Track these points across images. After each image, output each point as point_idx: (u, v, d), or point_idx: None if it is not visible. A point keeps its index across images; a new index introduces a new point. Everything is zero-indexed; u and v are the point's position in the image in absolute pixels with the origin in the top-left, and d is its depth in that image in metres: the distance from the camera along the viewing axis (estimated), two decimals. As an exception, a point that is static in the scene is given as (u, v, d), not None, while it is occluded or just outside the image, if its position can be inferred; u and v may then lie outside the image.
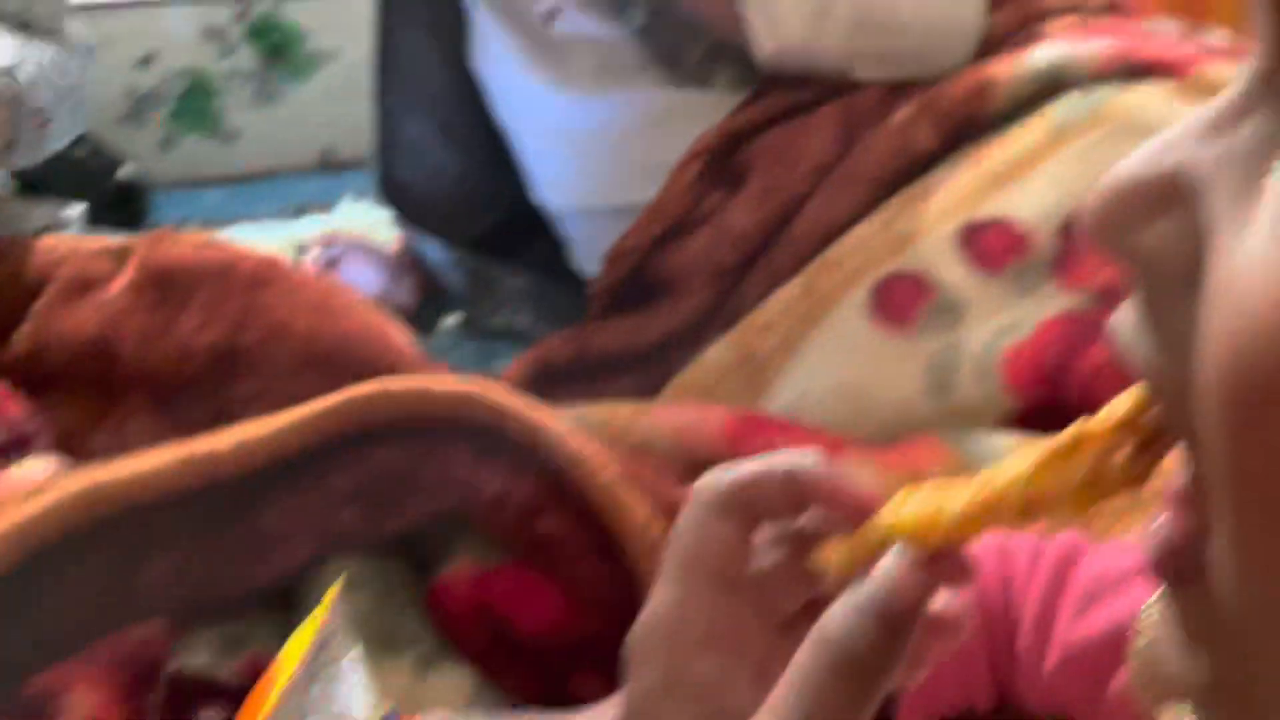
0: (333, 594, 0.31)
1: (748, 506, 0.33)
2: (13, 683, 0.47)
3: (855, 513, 0.30)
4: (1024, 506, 0.25)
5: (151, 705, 0.49)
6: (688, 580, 0.32)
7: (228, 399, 0.71)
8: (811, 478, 0.32)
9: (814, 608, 0.30)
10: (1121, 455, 0.24)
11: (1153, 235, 0.20)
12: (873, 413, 0.73)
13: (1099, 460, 0.24)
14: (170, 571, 0.52)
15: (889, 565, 0.27)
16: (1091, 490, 0.25)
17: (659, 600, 0.33)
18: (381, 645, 0.54)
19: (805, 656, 0.27)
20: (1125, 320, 0.21)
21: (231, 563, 0.53)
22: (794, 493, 0.32)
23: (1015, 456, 0.25)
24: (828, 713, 0.26)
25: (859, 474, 0.33)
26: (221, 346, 0.73)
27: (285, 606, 0.56)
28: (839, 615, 0.27)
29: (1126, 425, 0.24)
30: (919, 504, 0.27)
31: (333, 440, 0.54)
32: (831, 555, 0.29)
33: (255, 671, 0.53)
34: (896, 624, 0.27)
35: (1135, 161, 0.20)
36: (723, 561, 0.32)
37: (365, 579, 0.55)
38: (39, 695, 0.47)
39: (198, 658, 0.52)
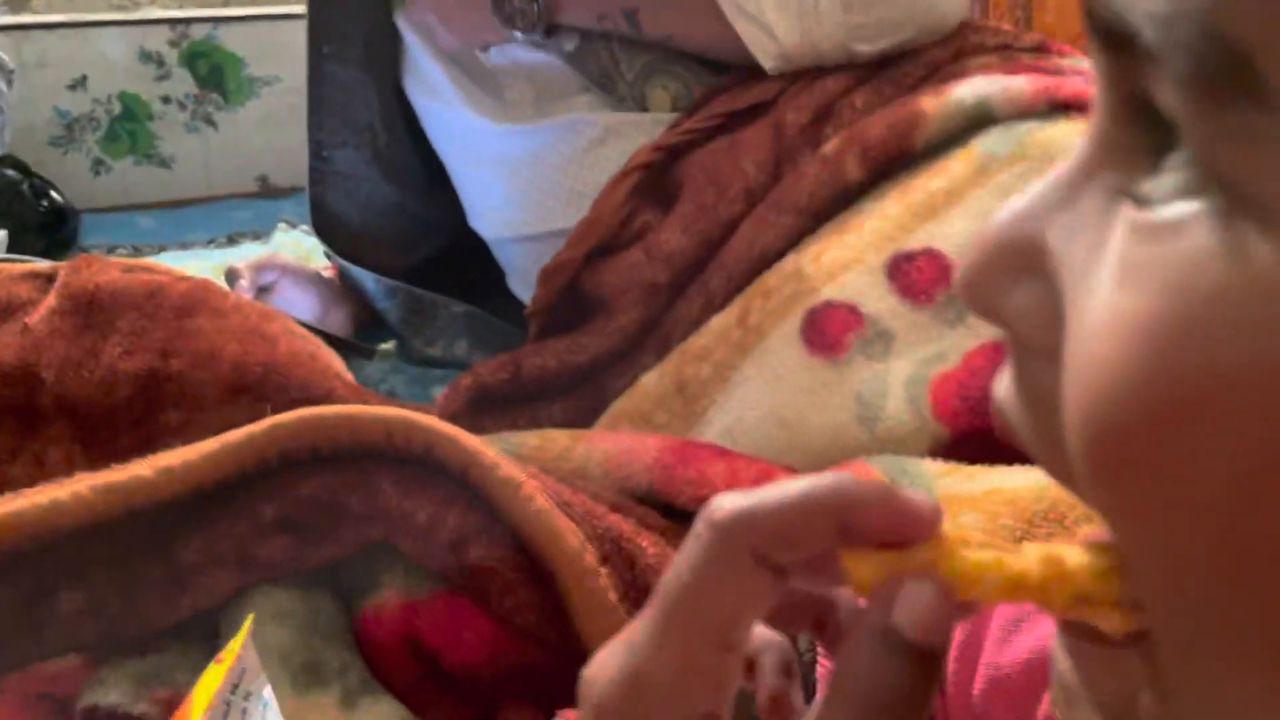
0: (246, 630, 0.30)
1: (774, 546, 0.24)
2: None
3: (911, 536, 0.24)
4: (1077, 600, 0.22)
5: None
6: (685, 638, 0.24)
7: (154, 428, 0.70)
8: (863, 498, 0.24)
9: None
10: None
11: (1017, 300, 0.20)
12: (805, 440, 0.74)
13: None
14: (85, 604, 0.50)
15: (925, 601, 0.23)
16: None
17: (643, 654, 0.25)
18: (307, 677, 0.52)
19: (832, 713, 0.23)
20: (1003, 383, 0.22)
21: (150, 595, 0.52)
22: (836, 522, 0.24)
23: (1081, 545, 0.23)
24: None
25: (913, 492, 0.25)
26: (147, 374, 0.71)
27: (208, 639, 0.54)
28: (867, 653, 0.23)
29: None
30: (980, 551, 0.24)
31: (257, 468, 0.53)
32: (860, 566, 0.24)
33: (173, 708, 0.51)
34: (931, 665, 0.23)
35: (996, 227, 0.21)
36: (734, 619, 0.24)
37: (290, 610, 0.54)
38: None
39: (112, 694, 0.50)
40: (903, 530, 0.23)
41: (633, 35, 0.90)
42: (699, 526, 0.24)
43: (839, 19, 0.83)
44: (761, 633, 0.28)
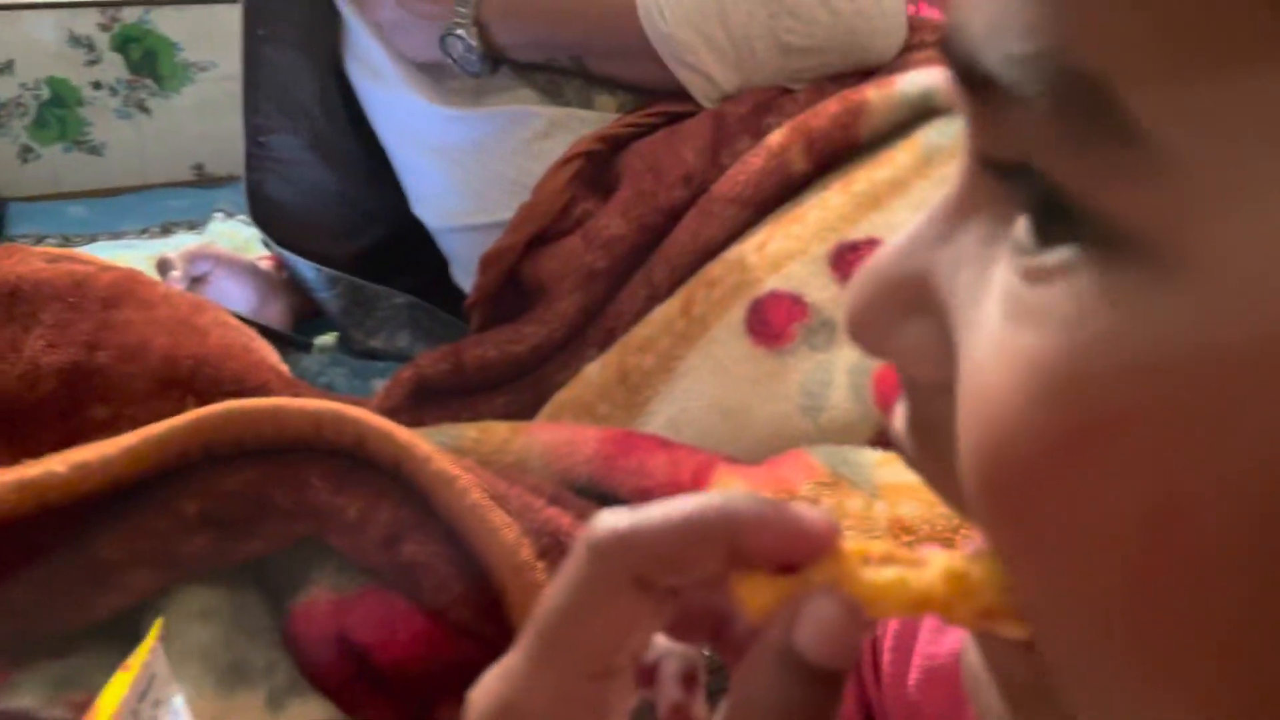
0: (154, 635, 0.29)
1: (657, 570, 0.23)
2: None
3: (807, 556, 0.22)
4: (987, 612, 0.22)
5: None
6: (560, 666, 0.23)
7: (81, 423, 0.68)
8: (753, 518, 0.22)
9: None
10: None
11: (906, 338, 0.20)
12: (749, 431, 0.74)
13: None
14: (-3, 606, 0.49)
15: (827, 621, 0.22)
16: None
17: (517, 682, 0.24)
18: (233, 678, 0.51)
19: None
20: (898, 416, 0.22)
21: (67, 594, 0.50)
22: (725, 544, 0.22)
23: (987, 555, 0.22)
24: None
25: (808, 508, 0.23)
26: (72, 368, 0.69)
27: (130, 639, 0.53)
28: (766, 674, 0.22)
29: None
30: (880, 570, 0.23)
31: (179, 463, 0.52)
32: (752, 591, 0.23)
33: (86, 713, 0.50)
34: (835, 684, 0.22)
35: (879, 265, 0.21)
36: (613, 646, 0.23)
37: (215, 609, 0.53)
38: None
39: (25, 699, 0.49)
40: (797, 551, 0.22)
41: (578, 71, 0.90)
42: (577, 547, 0.23)
43: (777, 64, 0.84)
44: (662, 641, 0.27)
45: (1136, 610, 0.17)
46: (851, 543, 0.23)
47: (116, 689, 0.29)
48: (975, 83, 0.18)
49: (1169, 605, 0.17)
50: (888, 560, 0.22)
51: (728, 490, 0.23)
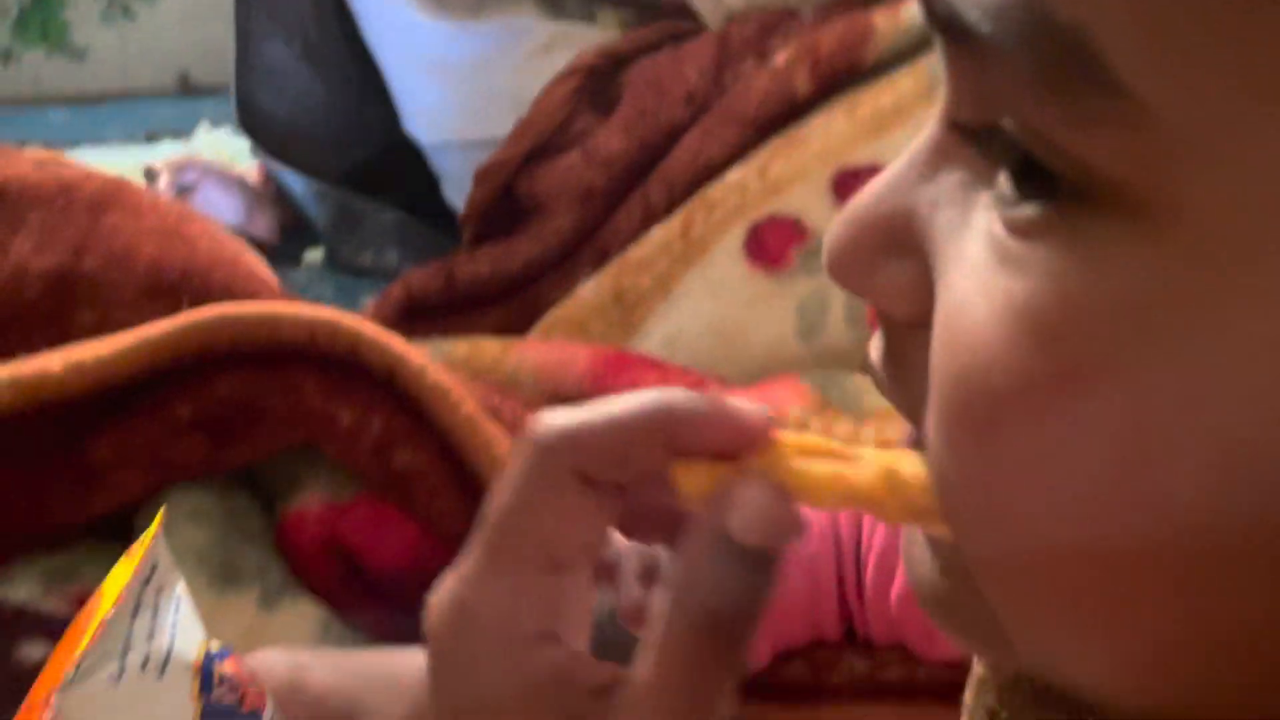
0: (157, 525, 0.30)
1: (600, 466, 0.23)
2: None
3: (743, 446, 0.23)
4: (919, 511, 0.22)
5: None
6: (509, 562, 0.23)
7: (67, 328, 0.68)
8: (689, 413, 0.23)
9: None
10: None
11: (885, 277, 0.21)
12: (745, 353, 0.75)
13: None
14: (-9, 501, 0.49)
15: (758, 504, 0.22)
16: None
17: (470, 579, 0.24)
18: (224, 579, 0.52)
19: (674, 626, 0.23)
20: (874, 347, 0.22)
21: (60, 493, 0.51)
22: (665, 438, 0.23)
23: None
24: (705, 682, 0.23)
25: (744, 402, 0.24)
26: (59, 273, 0.69)
27: (122, 538, 0.54)
28: (703, 562, 0.23)
29: None
30: (817, 462, 0.23)
31: (172, 366, 0.52)
32: (689, 477, 0.23)
33: (84, 603, 0.51)
34: (767, 570, 0.23)
35: (861, 205, 0.21)
36: (561, 540, 0.24)
37: (207, 511, 0.54)
38: None
39: (20, 591, 0.50)
40: (734, 441, 0.23)
41: None
42: (523, 444, 0.23)
43: None
44: (622, 541, 0.27)
45: (1088, 547, 0.18)
46: (790, 437, 0.23)
47: (120, 575, 0.30)
48: (955, 35, 0.18)
49: (1125, 547, 0.17)
50: (825, 455, 0.23)
51: (667, 388, 0.23)
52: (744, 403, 0.23)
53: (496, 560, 0.23)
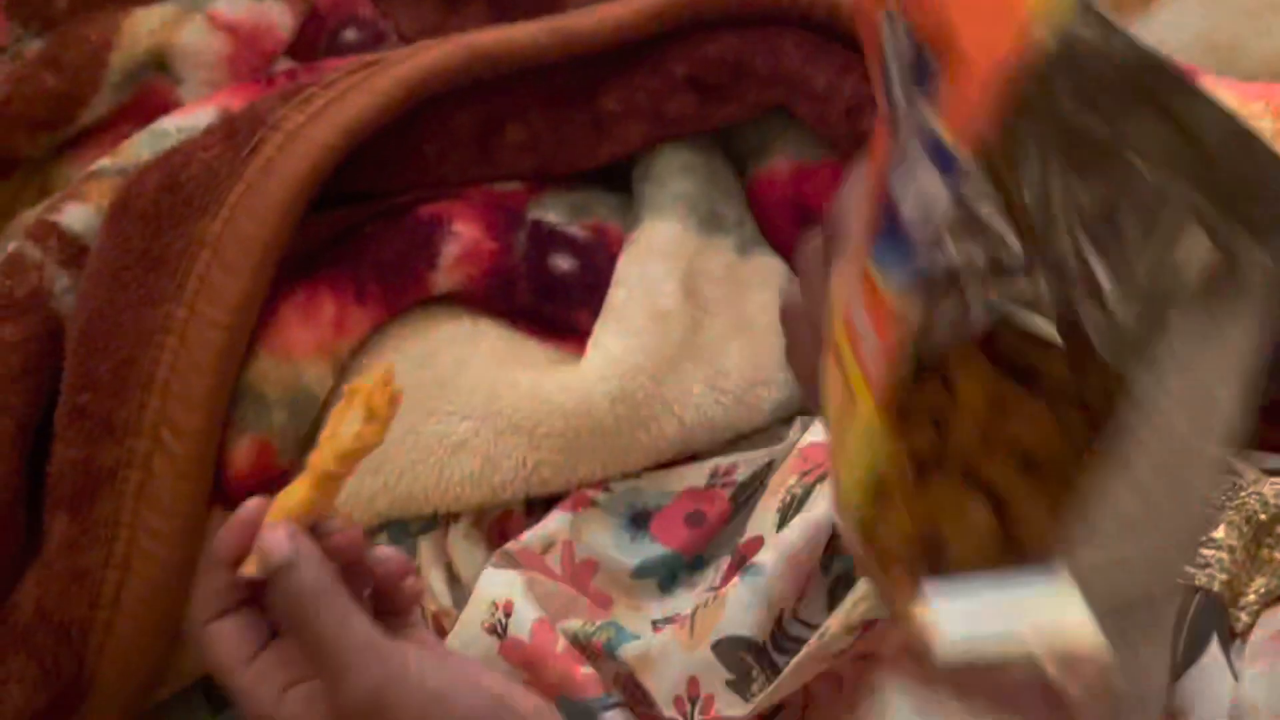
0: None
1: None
2: (407, 210, 0.59)
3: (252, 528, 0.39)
4: (339, 458, 0.39)
5: (518, 242, 0.59)
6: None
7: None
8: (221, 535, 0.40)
9: None
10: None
11: None
12: (1237, 68, 0.70)
13: (367, 405, 0.38)
14: (526, 138, 0.61)
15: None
16: (371, 426, 0.38)
17: None
18: (710, 223, 0.61)
19: None
20: None
21: (576, 137, 0.61)
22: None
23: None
24: None
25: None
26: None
27: (623, 189, 0.64)
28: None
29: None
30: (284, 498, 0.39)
31: (674, 27, 0.60)
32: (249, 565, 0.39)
33: (600, 232, 0.62)
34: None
35: None
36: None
37: (694, 166, 0.62)
38: (428, 220, 0.58)
39: (551, 214, 0.61)
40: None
41: None
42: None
43: None
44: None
45: None
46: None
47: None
48: None
49: None
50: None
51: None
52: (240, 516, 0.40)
53: None
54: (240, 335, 0.53)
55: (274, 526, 0.38)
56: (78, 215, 0.59)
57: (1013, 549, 0.32)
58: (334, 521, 0.40)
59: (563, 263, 0.60)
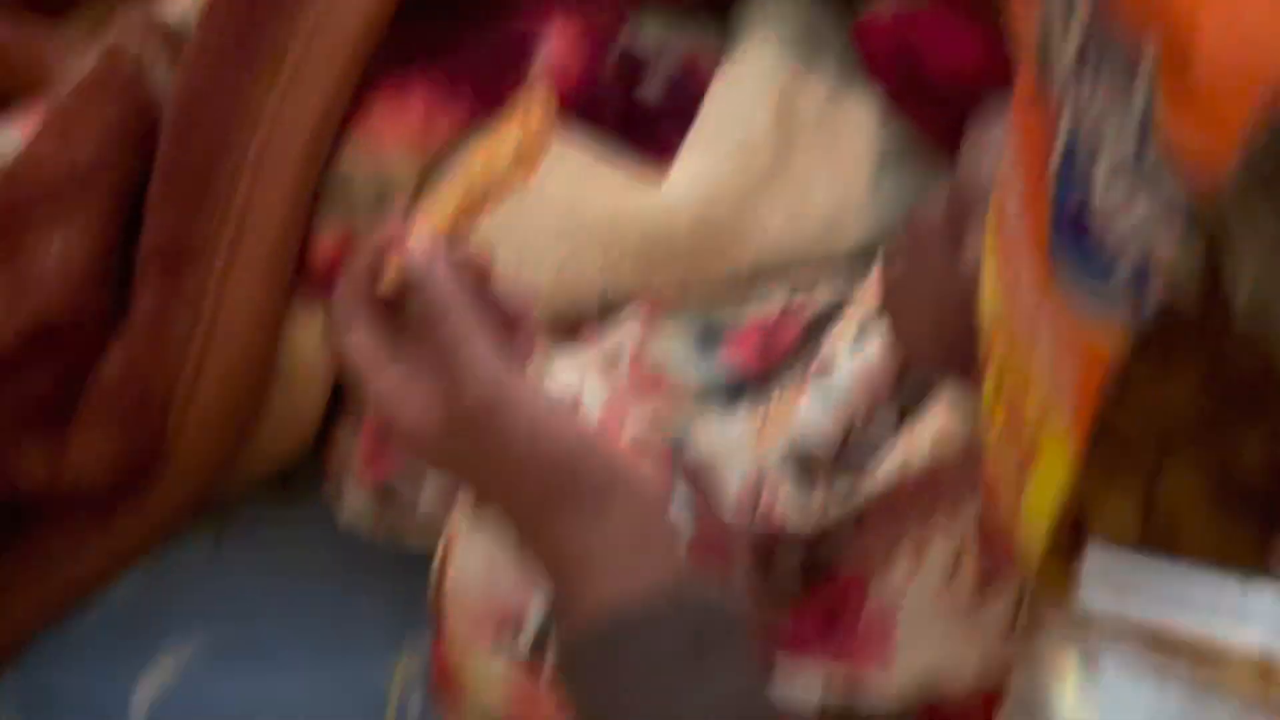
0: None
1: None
2: (502, 23, 0.59)
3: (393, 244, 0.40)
4: (486, 185, 0.40)
5: (608, 66, 0.59)
6: None
7: None
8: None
9: None
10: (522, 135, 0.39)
11: None
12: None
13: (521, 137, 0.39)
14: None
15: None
16: (521, 163, 0.39)
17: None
18: (807, 59, 0.60)
19: None
20: None
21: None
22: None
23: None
24: None
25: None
26: None
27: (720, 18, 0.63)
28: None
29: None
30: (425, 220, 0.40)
31: None
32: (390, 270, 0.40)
33: (693, 61, 0.62)
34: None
35: None
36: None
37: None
38: (521, 35, 0.58)
39: (644, 40, 0.61)
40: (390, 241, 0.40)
41: None
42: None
43: None
44: None
45: None
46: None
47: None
48: None
49: None
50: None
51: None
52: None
53: None
54: (330, 123, 0.54)
55: (414, 243, 0.39)
56: (176, 10, 0.60)
57: (1158, 528, 0.31)
58: (468, 250, 0.41)
59: (651, 90, 0.59)
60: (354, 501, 0.59)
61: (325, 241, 0.55)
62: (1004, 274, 0.25)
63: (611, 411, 0.48)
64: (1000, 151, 0.27)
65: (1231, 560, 0.28)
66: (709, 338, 0.55)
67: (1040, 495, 0.24)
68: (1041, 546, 0.28)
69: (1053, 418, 0.24)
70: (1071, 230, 0.22)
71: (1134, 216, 0.21)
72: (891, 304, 0.37)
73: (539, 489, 0.37)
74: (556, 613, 0.38)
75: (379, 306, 0.40)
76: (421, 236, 0.39)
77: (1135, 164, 0.21)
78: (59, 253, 0.53)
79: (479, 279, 0.40)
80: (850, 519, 0.46)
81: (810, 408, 0.45)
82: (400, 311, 0.40)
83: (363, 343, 0.39)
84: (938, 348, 0.29)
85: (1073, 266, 0.23)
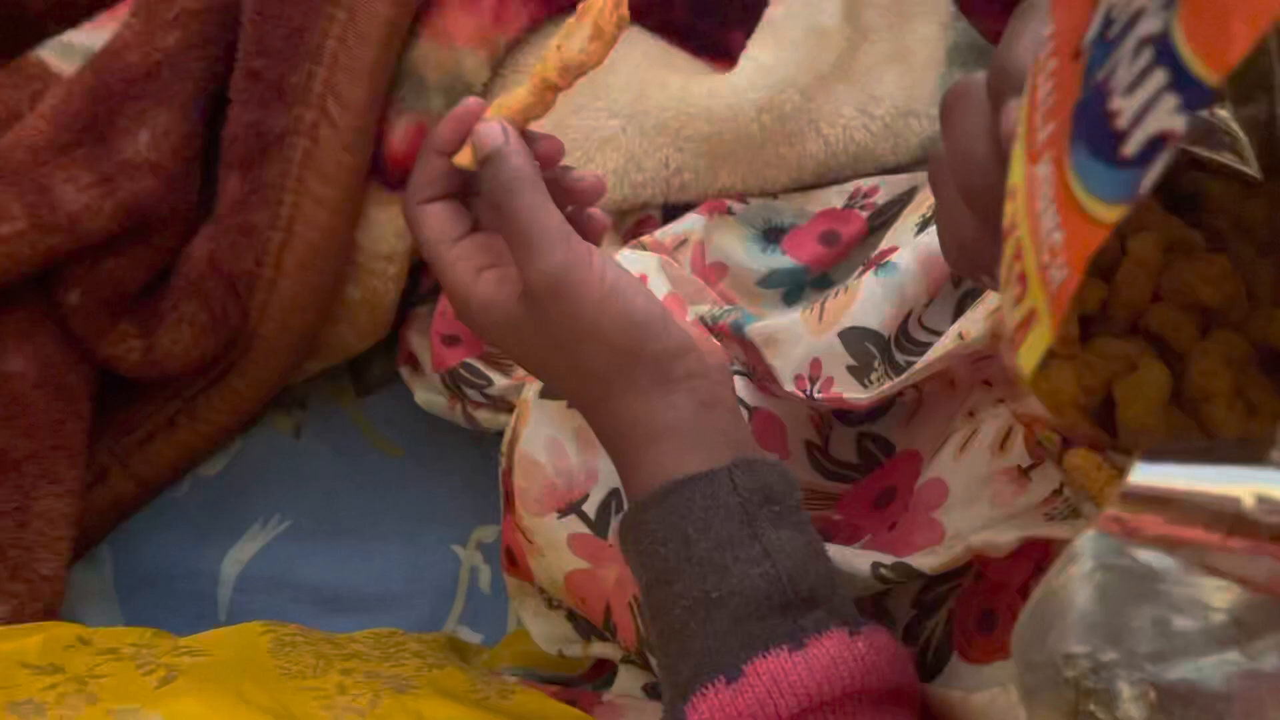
0: None
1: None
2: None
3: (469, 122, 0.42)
4: (561, 70, 0.41)
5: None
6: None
7: None
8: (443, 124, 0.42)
9: None
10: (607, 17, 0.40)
11: None
12: None
13: (595, 23, 0.40)
14: None
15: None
16: (596, 44, 0.40)
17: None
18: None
19: None
20: None
21: None
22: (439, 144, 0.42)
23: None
24: None
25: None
26: None
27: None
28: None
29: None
30: (503, 99, 0.42)
31: None
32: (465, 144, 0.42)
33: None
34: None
35: None
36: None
37: None
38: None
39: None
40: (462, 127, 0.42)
41: None
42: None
43: None
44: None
45: None
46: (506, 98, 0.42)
47: None
48: None
49: None
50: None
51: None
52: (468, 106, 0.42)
53: None
54: (405, 11, 0.55)
55: (489, 121, 0.41)
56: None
57: (1187, 410, 0.31)
58: (541, 131, 0.43)
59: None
60: (427, 386, 0.62)
61: (400, 134, 0.57)
62: (1028, 146, 0.26)
63: (674, 301, 0.50)
64: (1041, 27, 0.27)
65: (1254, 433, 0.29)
66: (771, 233, 0.56)
67: (1029, 355, 0.26)
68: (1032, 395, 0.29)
69: (1042, 283, 0.25)
70: (1095, 104, 0.23)
71: (1149, 92, 0.21)
72: (935, 194, 0.38)
73: (606, 358, 0.39)
74: (621, 478, 0.40)
75: (454, 181, 0.42)
76: (497, 115, 0.41)
77: (1160, 42, 0.22)
78: (147, 140, 0.55)
79: (550, 158, 0.42)
80: (906, 394, 0.48)
81: (870, 293, 0.46)
82: (474, 188, 0.42)
83: (436, 216, 0.41)
84: (973, 217, 0.30)
85: (1088, 143, 0.24)
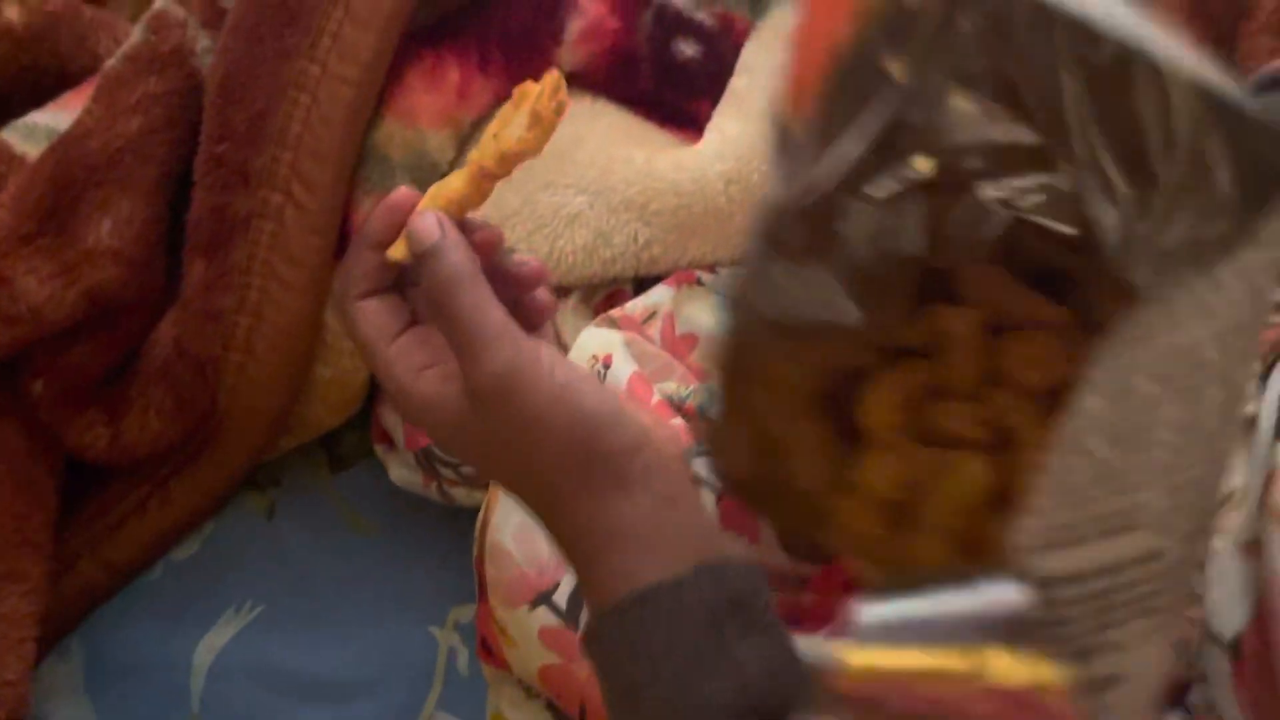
0: None
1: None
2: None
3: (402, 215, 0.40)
4: (499, 159, 0.39)
5: (643, 24, 0.60)
6: None
7: None
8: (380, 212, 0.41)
9: None
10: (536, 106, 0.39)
11: None
12: None
13: (533, 110, 0.39)
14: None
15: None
16: (535, 131, 0.39)
17: None
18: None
19: None
20: None
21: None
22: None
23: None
24: None
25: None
26: None
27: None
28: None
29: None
30: (437, 189, 0.40)
31: None
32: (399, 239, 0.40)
33: (727, 20, 0.62)
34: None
35: None
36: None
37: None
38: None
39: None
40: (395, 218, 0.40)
41: None
42: None
43: None
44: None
45: None
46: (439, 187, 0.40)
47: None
48: None
49: None
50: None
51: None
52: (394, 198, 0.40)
53: None
54: (369, 93, 0.56)
55: (424, 213, 0.39)
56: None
57: (1002, 507, 0.31)
58: (479, 220, 0.41)
59: (687, 49, 0.60)
60: (402, 463, 0.61)
61: (365, 215, 0.57)
62: None
63: (642, 374, 0.50)
64: None
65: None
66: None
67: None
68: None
69: None
70: None
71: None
72: None
73: (558, 459, 0.37)
74: (580, 583, 0.39)
75: (389, 274, 0.40)
76: (432, 206, 0.39)
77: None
78: (109, 227, 0.55)
79: (489, 246, 0.40)
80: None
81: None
82: (410, 279, 0.40)
83: (372, 312, 0.39)
84: None
85: None
